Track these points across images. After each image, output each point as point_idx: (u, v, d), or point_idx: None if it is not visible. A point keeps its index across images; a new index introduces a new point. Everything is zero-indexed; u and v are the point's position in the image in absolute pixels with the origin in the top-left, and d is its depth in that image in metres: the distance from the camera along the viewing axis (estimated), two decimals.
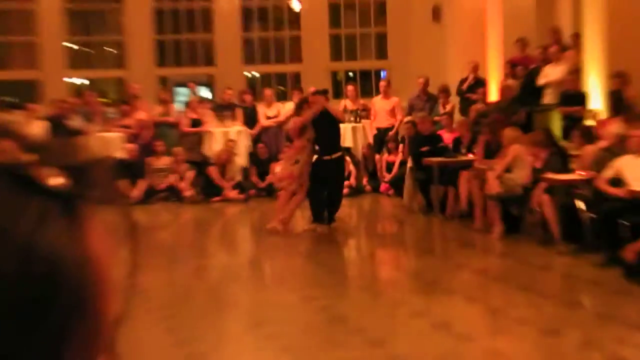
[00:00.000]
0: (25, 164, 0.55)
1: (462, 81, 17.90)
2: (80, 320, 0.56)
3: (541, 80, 16.05)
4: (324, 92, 14.39)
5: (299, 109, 13.98)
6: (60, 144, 0.59)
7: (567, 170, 12.04)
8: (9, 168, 0.54)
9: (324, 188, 13.56)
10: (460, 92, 17.78)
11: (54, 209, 0.55)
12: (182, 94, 21.11)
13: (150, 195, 17.55)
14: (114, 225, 0.60)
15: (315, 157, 13.51)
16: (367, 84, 21.62)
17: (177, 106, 19.79)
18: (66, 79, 21.80)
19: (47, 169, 0.55)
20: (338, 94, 20.91)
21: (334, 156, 13.47)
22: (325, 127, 13.39)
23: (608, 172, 10.87)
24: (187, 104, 19.30)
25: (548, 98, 15.85)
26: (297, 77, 21.93)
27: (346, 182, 15.47)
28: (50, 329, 0.54)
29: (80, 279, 0.55)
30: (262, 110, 19.14)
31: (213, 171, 17.78)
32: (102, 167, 0.59)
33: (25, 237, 0.53)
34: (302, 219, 14.19)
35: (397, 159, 17.25)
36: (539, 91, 16.08)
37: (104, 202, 0.60)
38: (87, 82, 22.29)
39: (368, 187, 17.87)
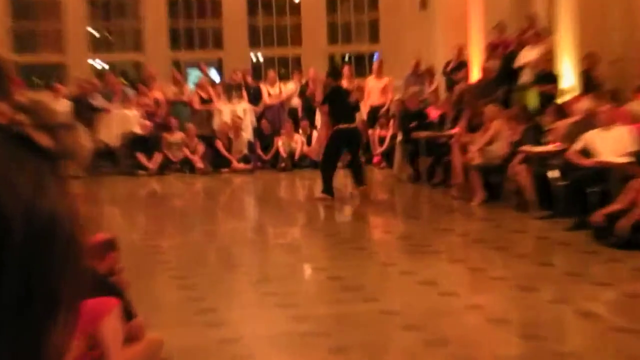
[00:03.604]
0: (19, 123, 0.55)
1: (448, 63, 17.86)
2: (71, 265, 0.57)
3: (518, 62, 16.01)
4: (332, 74, 14.56)
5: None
6: (43, 107, 0.58)
7: (541, 143, 12.05)
8: (5, 127, 0.55)
9: (338, 158, 13.73)
10: (445, 73, 17.75)
11: (46, 167, 0.55)
12: (194, 75, 21.06)
13: (165, 167, 17.55)
14: (78, 184, 0.61)
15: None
16: (361, 67, 21.52)
17: (190, 86, 19.76)
18: (89, 62, 21.72)
19: (35, 128, 0.55)
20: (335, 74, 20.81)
21: (351, 125, 13.50)
22: (340, 101, 13.48)
23: (578, 145, 10.88)
24: (198, 84, 19.27)
25: (524, 78, 15.81)
26: (297, 60, 21.85)
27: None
28: (51, 275, 0.55)
29: (71, 230, 0.57)
30: (265, 89, 19.12)
31: (219, 144, 17.77)
32: (74, 131, 0.60)
33: (28, 193, 0.53)
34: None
35: (388, 133, 17.22)
36: (516, 72, 16.04)
37: (74, 163, 0.61)
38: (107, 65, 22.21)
39: (362, 159, 17.80)
